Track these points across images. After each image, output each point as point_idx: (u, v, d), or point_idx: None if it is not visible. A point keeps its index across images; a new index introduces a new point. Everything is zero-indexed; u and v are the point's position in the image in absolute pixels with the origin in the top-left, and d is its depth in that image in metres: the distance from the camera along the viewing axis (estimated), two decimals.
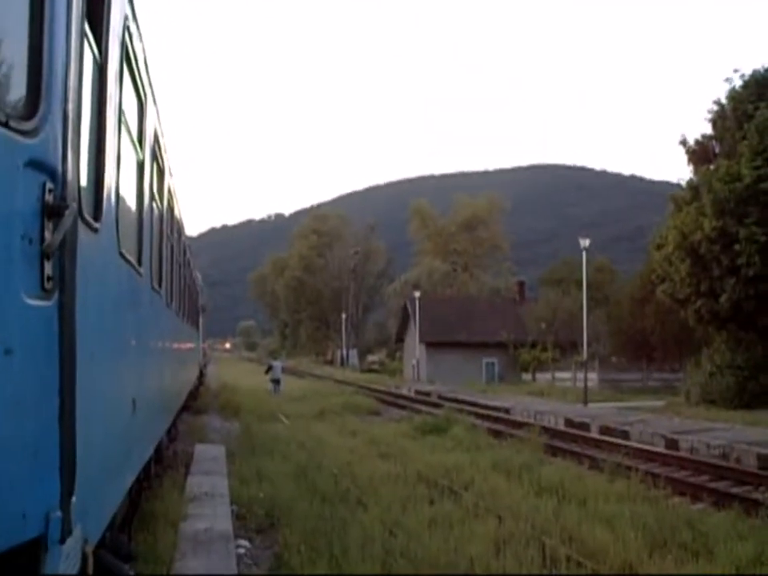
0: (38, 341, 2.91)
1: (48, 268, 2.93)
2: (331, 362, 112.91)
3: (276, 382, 44.53)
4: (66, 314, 3.09)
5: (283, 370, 48.57)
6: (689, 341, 45.57)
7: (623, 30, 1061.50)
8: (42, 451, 2.92)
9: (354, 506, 13.03)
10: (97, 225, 4.07)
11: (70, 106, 3.25)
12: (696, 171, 41.07)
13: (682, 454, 20.29)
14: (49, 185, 2.96)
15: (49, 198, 2.95)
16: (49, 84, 3.02)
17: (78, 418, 3.24)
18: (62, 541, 2.98)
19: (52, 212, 2.95)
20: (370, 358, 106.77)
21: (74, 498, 3.14)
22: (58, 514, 2.96)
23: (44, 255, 2.90)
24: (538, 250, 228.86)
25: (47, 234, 2.91)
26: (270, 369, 46.01)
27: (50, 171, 2.99)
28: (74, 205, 3.17)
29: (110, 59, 4.60)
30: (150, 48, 6.98)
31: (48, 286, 2.94)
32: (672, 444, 21.60)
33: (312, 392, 44.97)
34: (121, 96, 5.15)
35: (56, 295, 3.03)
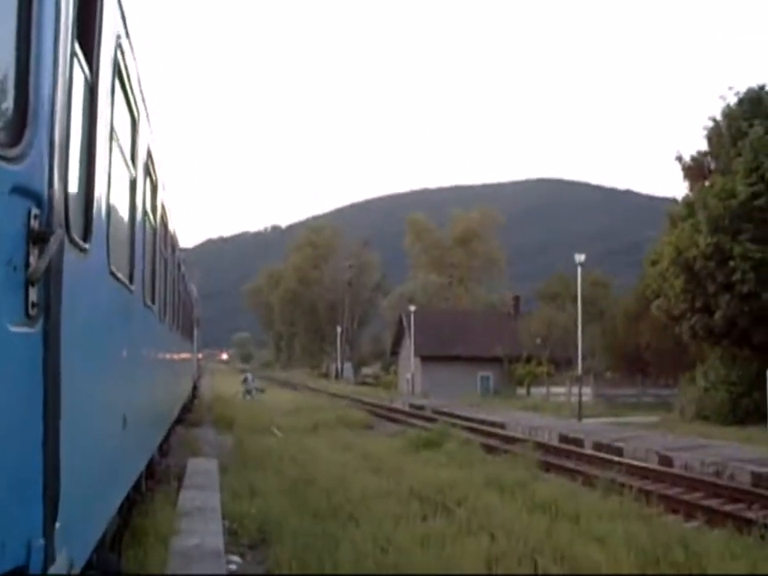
0: (22, 368, 2.89)
1: (33, 294, 2.91)
2: (326, 375, 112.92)
3: (248, 391, 53.84)
4: (51, 339, 3.07)
5: (253, 379, 58.79)
6: (683, 357, 45.56)
7: (620, 45, 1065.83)
8: (23, 479, 2.90)
9: (346, 522, 12.94)
10: (86, 245, 4.06)
11: (57, 130, 3.24)
12: (691, 187, 41.25)
13: (675, 470, 20.25)
14: (34, 210, 2.95)
15: (34, 224, 2.94)
16: (35, 109, 3.01)
17: (64, 441, 3.22)
18: (45, 569, 2.95)
19: (37, 238, 2.94)
20: (365, 371, 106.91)
21: (57, 524, 3.12)
22: (41, 541, 2.93)
23: (29, 281, 2.89)
24: (534, 264, 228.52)
25: (32, 260, 2.90)
26: (245, 380, 56.49)
27: (35, 197, 2.98)
28: (60, 231, 3.16)
29: (101, 78, 4.59)
30: (144, 62, 6.97)
31: (32, 312, 2.93)
32: (666, 461, 21.56)
33: (306, 405, 45.02)
34: (112, 114, 5.14)
35: (41, 321, 3.01)
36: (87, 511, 4.39)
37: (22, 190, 2.88)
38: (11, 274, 2.79)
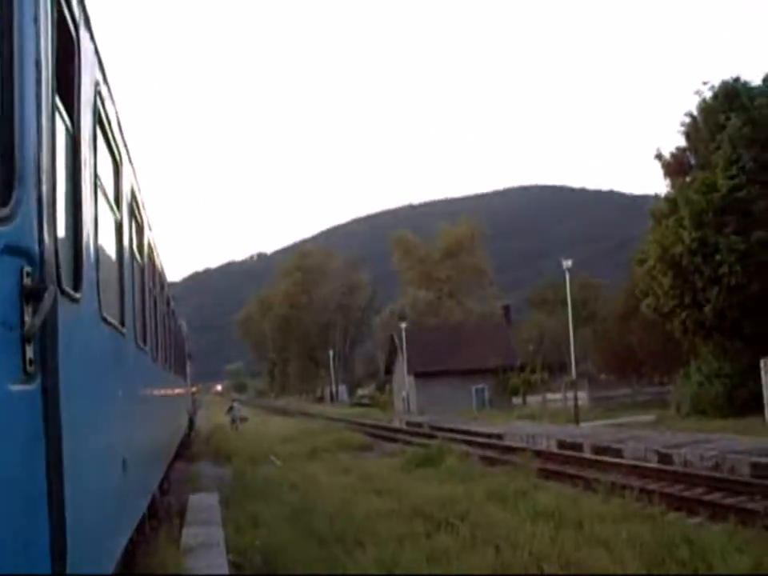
0: (23, 426, 2.93)
1: (29, 351, 2.95)
2: (321, 399, 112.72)
3: (233, 420, 52.30)
4: (49, 394, 3.12)
5: (239, 408, 56.58)
6: (676, 353, 45.65)
7: (593, 46, 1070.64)
8: (30, 537, 2.94)
9: (351, 546, 12.93)
10: (77, 295, 4.10)
11: (44, 187, 3.29)
12: (673, 184, 41.62)
13: (675, 468, 20.34)
14: (26, 268, 2.99)
15: (27, 281, 2.97)
16: (22, 167, 3.04)
17: (67, 495, 3.27)
18: None
19: (31, 295, 2.97)
20: (360, 392, 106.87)
21: None
22: None
23: (25, 339, 2.92)
24: (523, 272, 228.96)
25: (27, 318, 2.94)
26: (230, 408, 54.35)
27: (26, 255, 3.02)
28: (52, 286, 3.21)
29: (83, 127, 4.63)
30: (124, 103, 7.04)
31: (30, 369, 2.96)
32: (665, 458, 21.65)
33: (303, 431, 44.85)
34: (95, 161, 5.18)
35: (39, 377, 3.05)
36: (93, 560, 4.43)
37: (13, 250, 2.92)
38: (7, 333, 2.82)
